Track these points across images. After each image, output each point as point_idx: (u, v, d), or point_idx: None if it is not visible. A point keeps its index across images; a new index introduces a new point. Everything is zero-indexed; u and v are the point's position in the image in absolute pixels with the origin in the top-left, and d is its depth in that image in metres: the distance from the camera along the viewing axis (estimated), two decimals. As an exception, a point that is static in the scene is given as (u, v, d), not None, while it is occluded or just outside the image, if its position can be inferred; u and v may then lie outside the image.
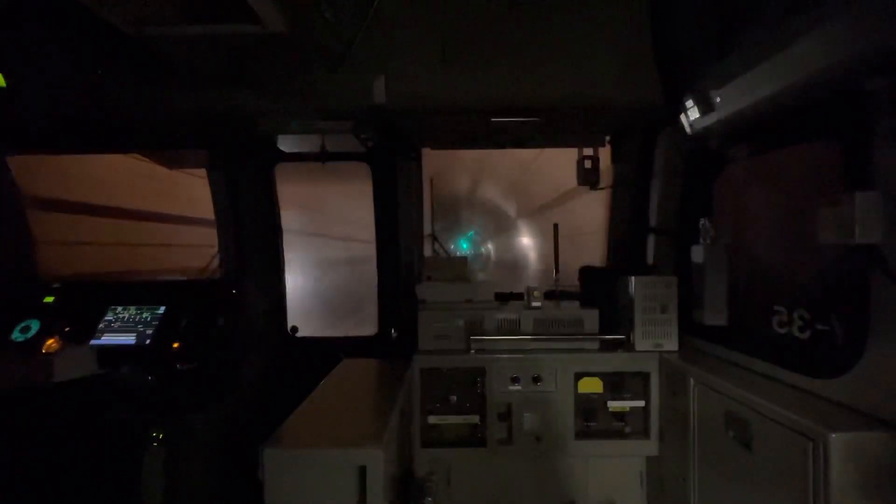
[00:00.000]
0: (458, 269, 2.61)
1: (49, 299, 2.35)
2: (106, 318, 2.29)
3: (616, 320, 2.37)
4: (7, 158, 2.64)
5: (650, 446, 2.18)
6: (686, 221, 2.25)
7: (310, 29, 1.74)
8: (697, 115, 1.90)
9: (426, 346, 2.31)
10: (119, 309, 2.31)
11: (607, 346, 2.28)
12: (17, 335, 2.19)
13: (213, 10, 1.58)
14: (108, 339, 2.22)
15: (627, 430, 2.22)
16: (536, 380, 2.20)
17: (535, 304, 2.36)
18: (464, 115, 2.17)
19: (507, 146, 2.77)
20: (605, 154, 2.77)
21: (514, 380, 2.21)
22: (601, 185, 2.78)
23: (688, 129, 1.98)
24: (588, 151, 2.79)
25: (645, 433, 2.20)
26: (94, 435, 1.77)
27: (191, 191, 3.67)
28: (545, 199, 6.40)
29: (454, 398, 2.22)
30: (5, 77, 1.91)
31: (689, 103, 1.92)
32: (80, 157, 3.02)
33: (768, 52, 1.46)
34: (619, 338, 2.26)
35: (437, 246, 3.22)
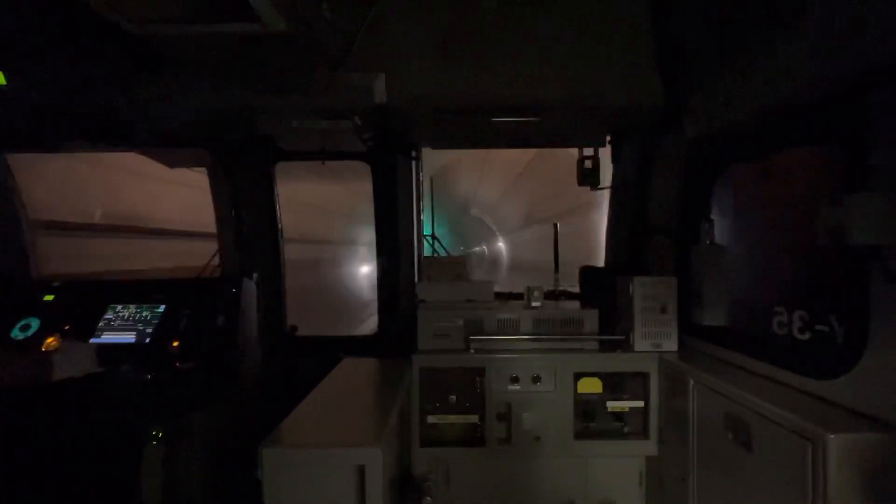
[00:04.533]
0: (458, 268, 2.61)
1: (49, 297, 2.35)
2: (106, 316, 2.29)
3: (616, 320, 2.37)
4: (7, 157, 2.64)
5: (649, 446, 2.19)
6: (686, 222, 2.25)
7: (310, 28, 1.74)
8: (698, 116, 1.90)
9: (425, 346, 2.31)
10: (119, 307, 2.31)
11: (607, 347, 2.28)
12: (16, 333, 2.19)
13: (214, 9, 1.58)
14: (107, 337, 2.22)
15: (627, 430, 2.22)
16: (536, 379, 2.21)
17: (534, 303, 2.36)
18: (464, 114, 2.17)
19: (508, 146, 2.77)
20: (605, 154, 2.77)
21: (514, 379, 2.21)
22: (601, 185, 2.78)
23: (688, 130, 1.99)
24: (588, 152, 2.79)
25: (644, 433, 2.20)
26: (93, 433, 1.77)
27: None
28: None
29: (453, 398, 2.22)
30: (5, 75, 1.91)
31: (691, 104, 1.93)
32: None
33: (769, 55, 1.46)
34: (619, 338, 2.26)
35: (436, 245, 3.23)
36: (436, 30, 2.03)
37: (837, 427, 1.22)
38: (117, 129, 2.38)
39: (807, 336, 1.62)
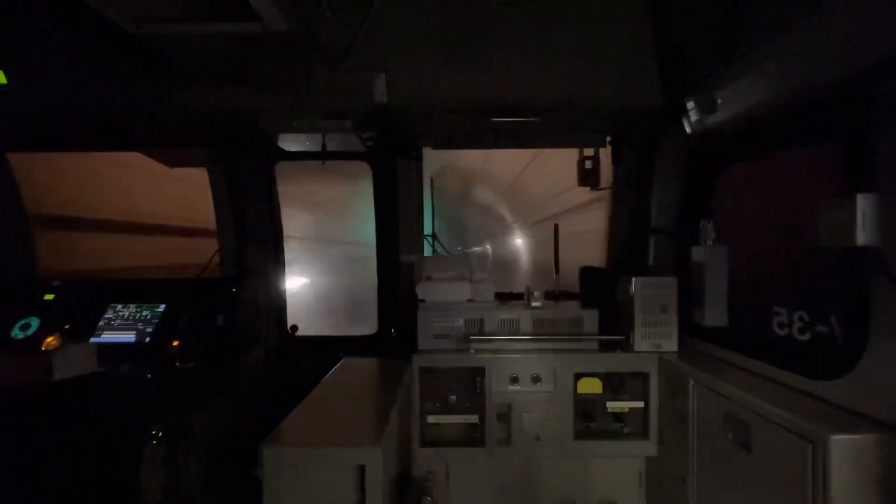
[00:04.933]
0: (458, 268, 2.61)
1: (49, 297, 2.35)
2: (106, 315, 2.29)
3: (616, 321, 2.37)
4: (7, 155, 2.64)
5: (649, 447, 2.18)
6: (686, 222, 2.25)
7: (310, 28, 1.73)
8: (698, 116, 1.90)
9: (426, 346, 2.31)
10: (119, 307, 2.31)
11: (607, 347, 2.28)
12: (16, 333, 2.20)
13: (214, 9, 1.58)
14: (107, 336, 2.22)
15: (626, 430, 2.22)
16: (536, 380, 2.20)
17: (534, 303, 2.36)
18: (464, 114, 2.17)
19: (508, 146, 2.77)
20: (605, 154, 2.77)
21: (514, 380, 2.21)
22: (601, 185, 2.78)
23: (689, 130, 1.98)
24: (589, 152, 2.79)
25: (644, 434, 2.20)
26: (93, 433, 1.77)
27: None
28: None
29: (453, 398, 2.22)
30: (6, 74, 1.91)
31: (691, 104, 1.93)
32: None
33: (770, 54, 1.46)
34: (619, 338, 2.26)
35: (436, 245, 3.22)
36: (436, 29, 2.03)
37: (838, 428, 1.22)
38: (118, 128, 2.38)
39: (807, 337, 1.62)
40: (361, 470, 1.46)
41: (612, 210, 2.81)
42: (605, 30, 2.01)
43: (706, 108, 1.83)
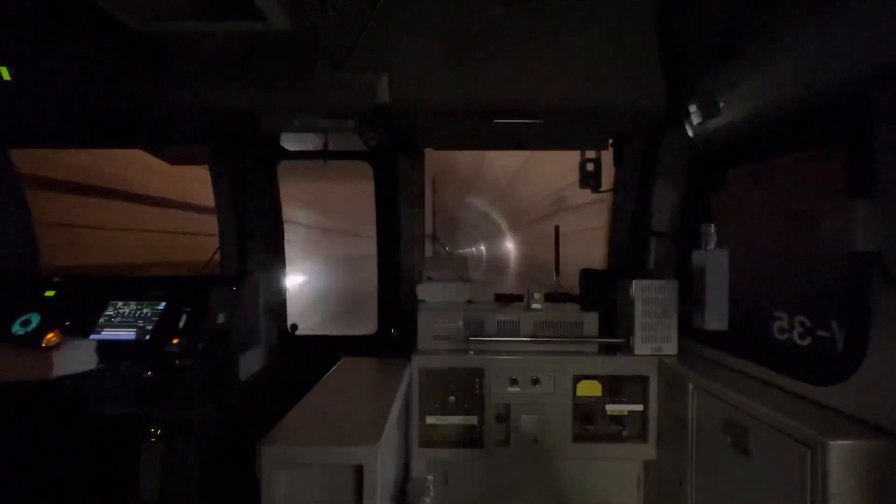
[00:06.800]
0: (459, 268, 2.61)
1: (50, 293, 2.35)
2: (106, 312, 2.29)
3: (616, 323, 2.37)
4: (10, 151, 2.65)
5: (648, 450, 2.18)
6: (687, 225, 2.25)
7: (314, 27, 1.74)
8: (701, 120, 1.90)
9: (425, 347, 2.31)
10: (119, 304, 2.31)
11: (607, 350, 2.28)
12: (17, 328, 2.20)
13: (218, 7, 1.59)
14: (108, 334, 2.22)
15: (625, 433, 2.22)
16: (535, 382, 2.20)
17: (535, 305, 2.36)
18: (467, 115, 2.17)
19: (510, 147, 2.77)
20: (607, 157, 2.77)
21: (513, 381, 2.21)
22: (602, 187, 2.78)
23: (691, 133, 1.98)
24: (590, 154, 2.79)
25: (643, 437, 2.20)
26: (92, 430, 1.77)
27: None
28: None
29: (452, 399, 2.22)
30: (10, 70, 1.91)
31: (693, 107, 1.92)
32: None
33: (773, 58, 1.46)
34: (619, 341, 2.26)
35: (437, 246, 3.22)
36: (439, 30, 2.04)
37: (837, 434, 1.22)
38: (121, 126, 2.39)
39: (807, 342, 1.62)
40: (359, 470, 1.46)
41: (613, 212, 2.81)
42: (608, 32, 2.02)
43: (708, 111, 1.83)
